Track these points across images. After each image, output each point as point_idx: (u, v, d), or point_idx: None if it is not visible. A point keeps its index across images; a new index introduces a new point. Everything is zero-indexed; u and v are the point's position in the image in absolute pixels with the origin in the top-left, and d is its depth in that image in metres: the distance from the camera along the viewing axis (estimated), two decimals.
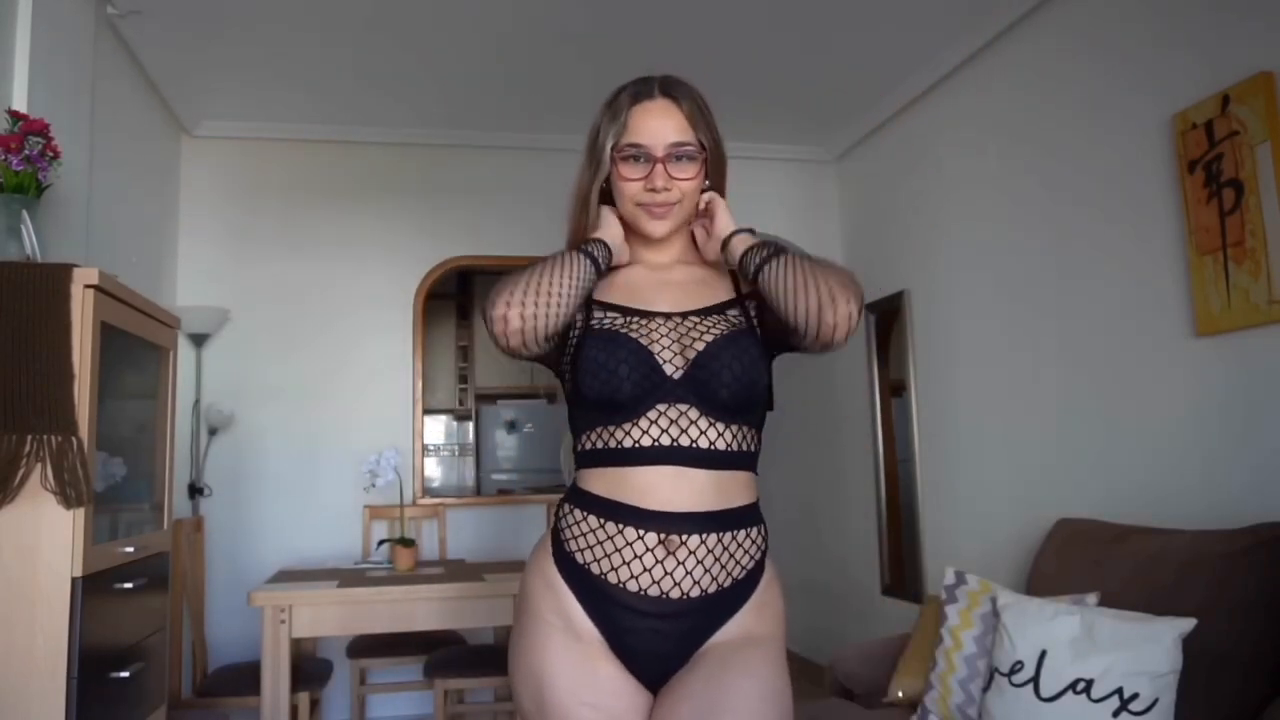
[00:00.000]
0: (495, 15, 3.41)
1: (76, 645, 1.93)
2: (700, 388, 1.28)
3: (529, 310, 1.25)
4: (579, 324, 1.35)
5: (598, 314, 1.37)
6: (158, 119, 4.01)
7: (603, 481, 1.30)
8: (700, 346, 1.31)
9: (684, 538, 1.26)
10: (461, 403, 7.46)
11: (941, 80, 3.85)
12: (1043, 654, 2.13)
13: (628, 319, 1.36)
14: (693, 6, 3.33)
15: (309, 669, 3.36)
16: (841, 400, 4.78)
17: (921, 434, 4.02)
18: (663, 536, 1.26)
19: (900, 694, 2.61)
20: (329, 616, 3.06)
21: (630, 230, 1.43)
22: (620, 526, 1.27)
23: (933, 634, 2.59)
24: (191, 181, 4.35)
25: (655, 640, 1.28)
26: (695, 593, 1.27)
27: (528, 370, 7.11)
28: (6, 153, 2.10)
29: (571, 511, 1.34)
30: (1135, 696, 1.97)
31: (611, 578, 1.28)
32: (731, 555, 1.29)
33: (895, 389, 4.34)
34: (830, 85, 4.07)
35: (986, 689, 2.28)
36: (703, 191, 1.43)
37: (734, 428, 1.30)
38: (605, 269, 1.37)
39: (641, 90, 1.39)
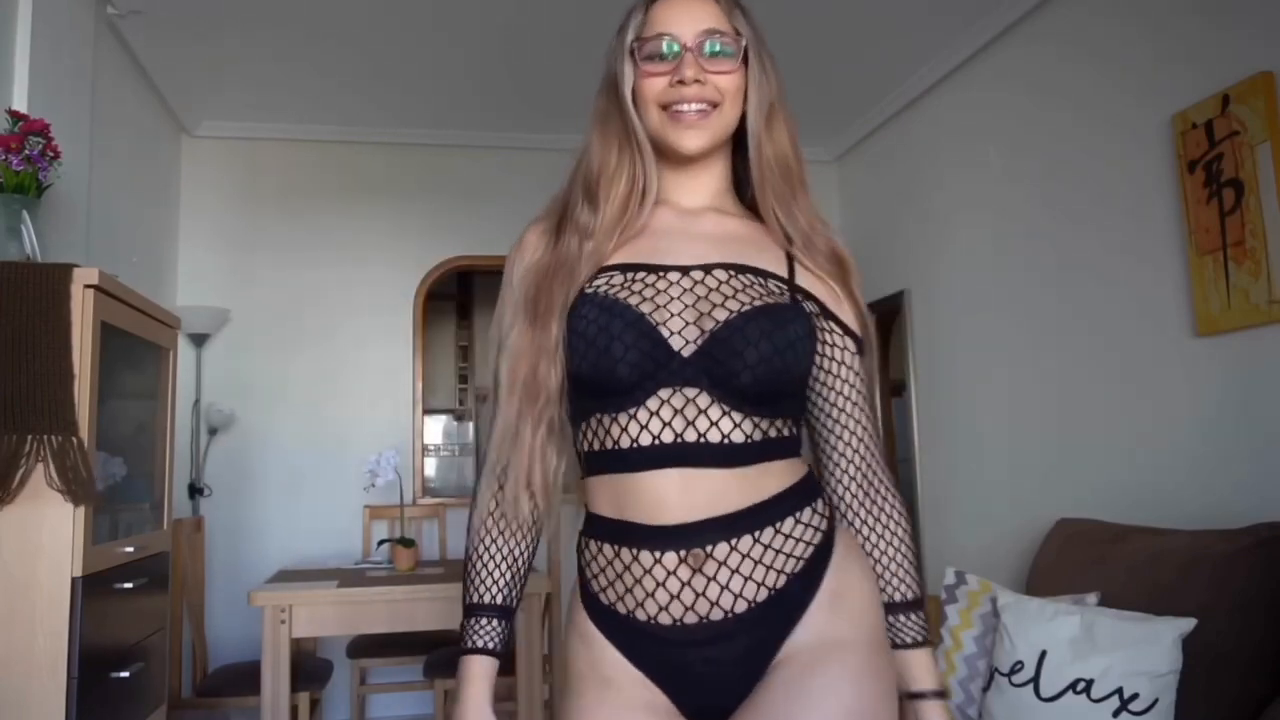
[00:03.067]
0: (495, 15, 3.41)
1: (76, 645, 1.93)
2: (715, 368, 1.02)
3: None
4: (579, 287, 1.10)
5: (601, 276, 1.09)
6: (158, 119, 4.01)
7: (609, 496, 1.07)
8: (721, 316, 1.04)
9: (710, 549, 1.02)
10: (461, 403, 7.46)
11: (941, 80, 3.85)
12: (1043, 654, 2.13)
13: (631, 277, 1.08)
14: None
15: (309, 669, 3.36)
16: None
17: (921, 434, 4.02)
18: (683, 554, 1.02)
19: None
20: (329, 616, 3.06)
21: (660, 157, 1.14)
22: (635, 553, 1.04)
23: (933, 634, 2.60)
24: (191, 181, 4.35)
25: (712, 671, 1.04)
26: (741, 607, 1.03)
27: None
28: (6, 153, 2.10)
29: (588, 544, 1.10)
30: (1135, 696, 1.97)
31: (640, 615, 1.04)
32: (778, 551, 1.04)
33: (895, 389, 4.34)
34: (830, 85, 4.07)
35: (986, 689, 2.28)
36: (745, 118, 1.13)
37: (757, 418, 1.04)
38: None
39: None
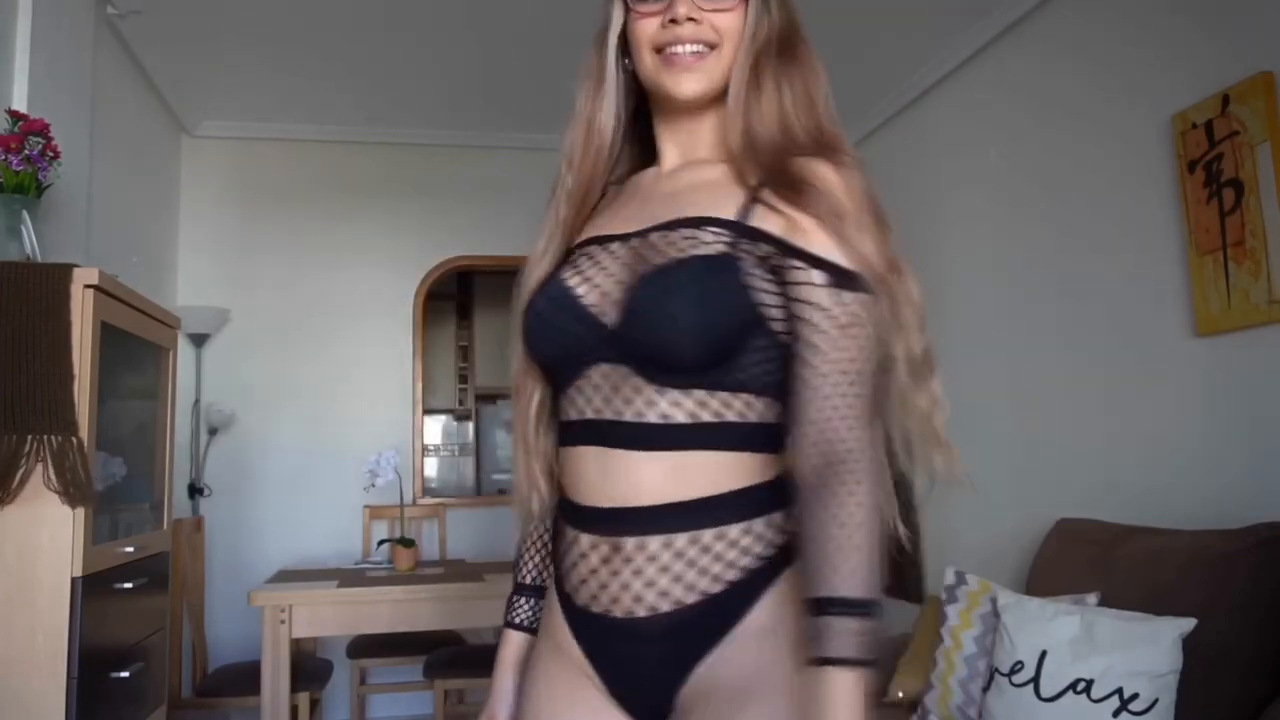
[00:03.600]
0: (495, 15, 3.41)
1: (76, 645, 1.93)
2: (629, 340, 0.94)
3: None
4: None
5: (569, 256, 1.07)
6: (158, 119, 4.01)
7: (562, 467, 1.03)
8: (630, 281, 0.95)
9: (642, 539, 0.93)
10: (461, 403, 7.46)
11: (941, 80, 3.84)
12: (1043, 654, 2.13)
13: (579, 253, 1.04)
14: None
15: (309, 669, 3.36)
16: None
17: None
18: (598, 541, 0.96)
19: (900, 694, 2.61)
20: (329, 616, 3.06)
21: (660, 108, 1.06)
22: (563, 526, 1.02)
23: (933, 634, 2.59)
24: (191, 181, 4.35)
25: (636, 668, 0.97)
26: (664, 606, 0.94)
27: None
28: (6, 153, 2.10)
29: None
30: (1135, 696, 1.97)
31: (569, 590, 1.01)
32: (716, 558, 0.93)
33: None
34: (830, 85, 4.06)
35: (986, 689, 2.28)
36: (757, 68, 1.00)
37: (700, 393, 0.93)
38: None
39: None
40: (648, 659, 0.96)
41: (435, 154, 4.60)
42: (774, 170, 0.97)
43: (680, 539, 0.94)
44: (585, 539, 0.98)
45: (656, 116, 1.08)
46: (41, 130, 2.18)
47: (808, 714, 0.84)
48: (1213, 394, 2.52)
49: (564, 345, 0.99)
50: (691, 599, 0.93)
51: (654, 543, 0.94)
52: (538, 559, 1.17)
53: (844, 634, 0.84)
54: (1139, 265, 2.77)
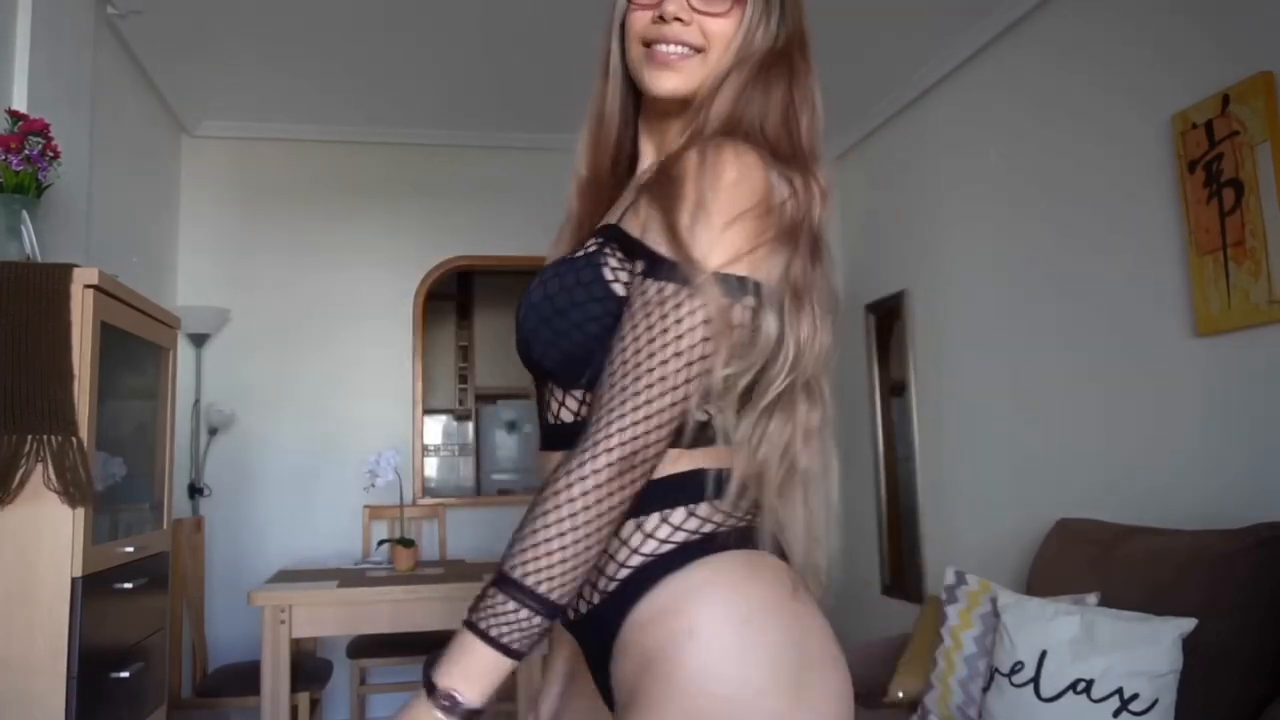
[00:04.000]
0: (496, 15, 3.41)
1: (76, 645, 1.93)
2: (519, 347, 0.97)
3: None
4: None
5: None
6: (158, 119, 4.01)
7: None
8: None
9: None
10: (461, 403, 7.46)
11: (941, 80, 3.85)
12: (1043, 654, 2.13)
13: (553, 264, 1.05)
14: None
15: (309, 669, 3.36)
16: (841, 400, 4.76)
17: (921, 434, 4.02)
18: None
19: (900, 694, 2.61)
20: (329, 616, 3.06)
21: (642, 107, 1.05)
22: None
23: (933, 634, 2.60)
24: (191, 181, 4.35)
25: (590, 662, 0.97)
26: (581, 608, 0.92)
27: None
28: (6, 153, 2.10)
29: None
30: (1135, 696, 1.97)
31: None
32: (610, 557, 0.90)
33: (895, 389, 4.34)
34: (829, 86, 4.04)
35: (986, 689, 2.28)
36: (763, 70, 0.97)
37: (578, 393, 0.92)
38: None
39: None
40: (591, 655, 0.94)
41: (435, 154, 4.60)
42: (663, 160, 0.95)
43: None
44: None
45: (641, 114, 1.05)
46: (41, 130, 2.18)
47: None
48: (1213, 394, 2.52)
49: (523, 358, 0.98)
50: (595, 599, 0.90)
51: None
52: None
53: (495, 607, 0.81)
54: (1139, 265, 2.77)
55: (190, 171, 4.35)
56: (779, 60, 1.00)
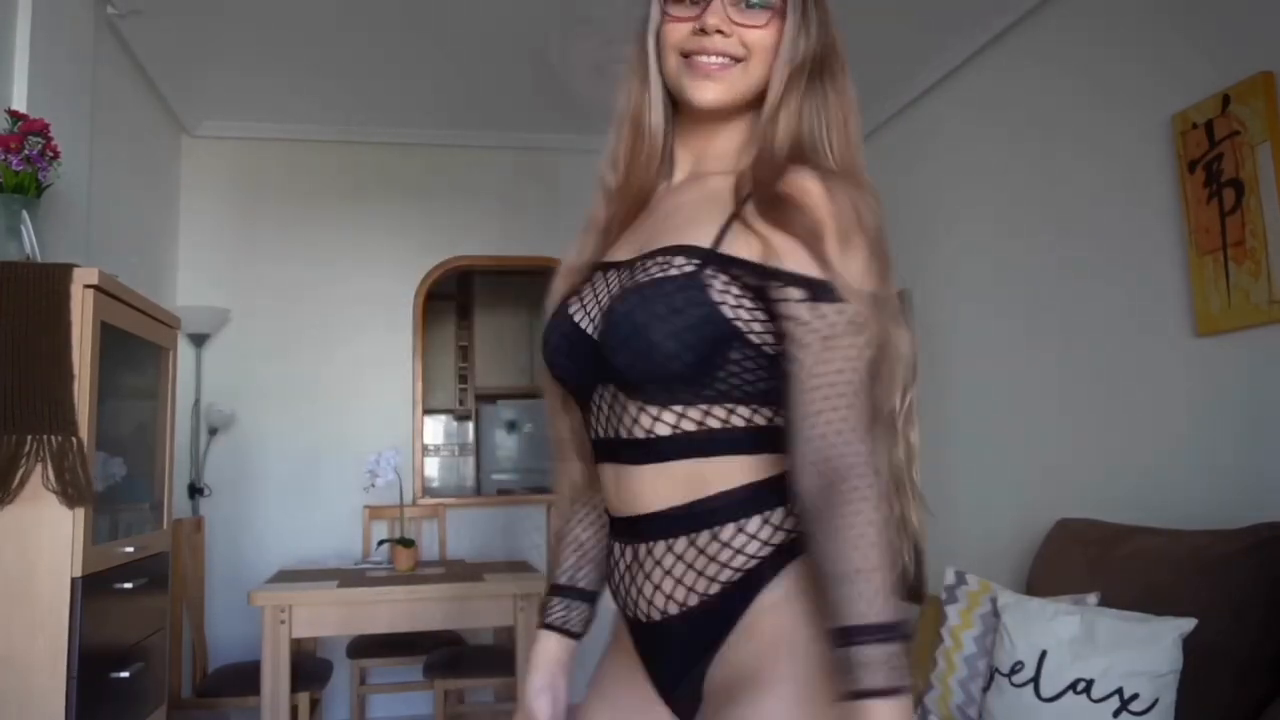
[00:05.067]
0: (497, 16, 3.41)
1: (76, 645, 1.93)
2: (608, 359, 0.97)
3: None
4: None
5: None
6: (158, 119, 4.01)
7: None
8: (606, 306, 0.99)
9: (651, 544, 0.98)
10: (461, 403, 7.47)
11: (941, 80, 3.85)
12: (1043, 654, 2.13)
13: (590, 279, 1.05)
14: None
15: (309, 669, 3.36)
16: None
17: (921, 434, 4.01)
18: (624, 547, 1.02)
19: None
20: (329, 616, 3.06)
21: (680, 112, 1.06)
22: (611, 539, 1.08)
23: (933, 634, 2.60)
24: (191, 181, 4.35)
25: (667, 664, 1.02)
26: (672, 610, 0.97)
27: (528, 370, 7.12)
28: (6, 153, 2.10)
29: None
30: (1135, 696, 1.97)
31: (615, 599, 1.08)
32: (711, 559, 0.95)
33: None
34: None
35: (986, 689, 2.28)
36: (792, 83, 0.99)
37: (680, 405, 0.95)
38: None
39: None
40: (676, 657, 1.00)
41: (435, 154, 4.60)
42: (764, 184, 0.97)
43: (680, 543, 0.97)
44: (616, 547, 1.05)
45: (675, 124, 1.07)
46: (41, 130, 2.18)
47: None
48: (1213, 394, 2.52)
49: (574, 373, 1.03)
50: (693, 601, 0.97)
51: (659, 548, 0.98)
52: (573, 559, 1.17)
53: (875, 663, 0.81)
54: (1139, 265, 2.77)
55: (190, 171, 4.35)
56: (824, 69, 1.02)
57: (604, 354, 0.96)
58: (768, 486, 0.96)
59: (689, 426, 0.95)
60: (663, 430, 0.96)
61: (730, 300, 0.93)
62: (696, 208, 1.02)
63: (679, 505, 0.96)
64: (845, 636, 0.83)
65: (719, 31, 0.97)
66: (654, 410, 0.96)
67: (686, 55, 1.00)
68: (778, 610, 0.94)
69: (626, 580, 1.02)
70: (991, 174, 3.54)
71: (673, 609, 0.97)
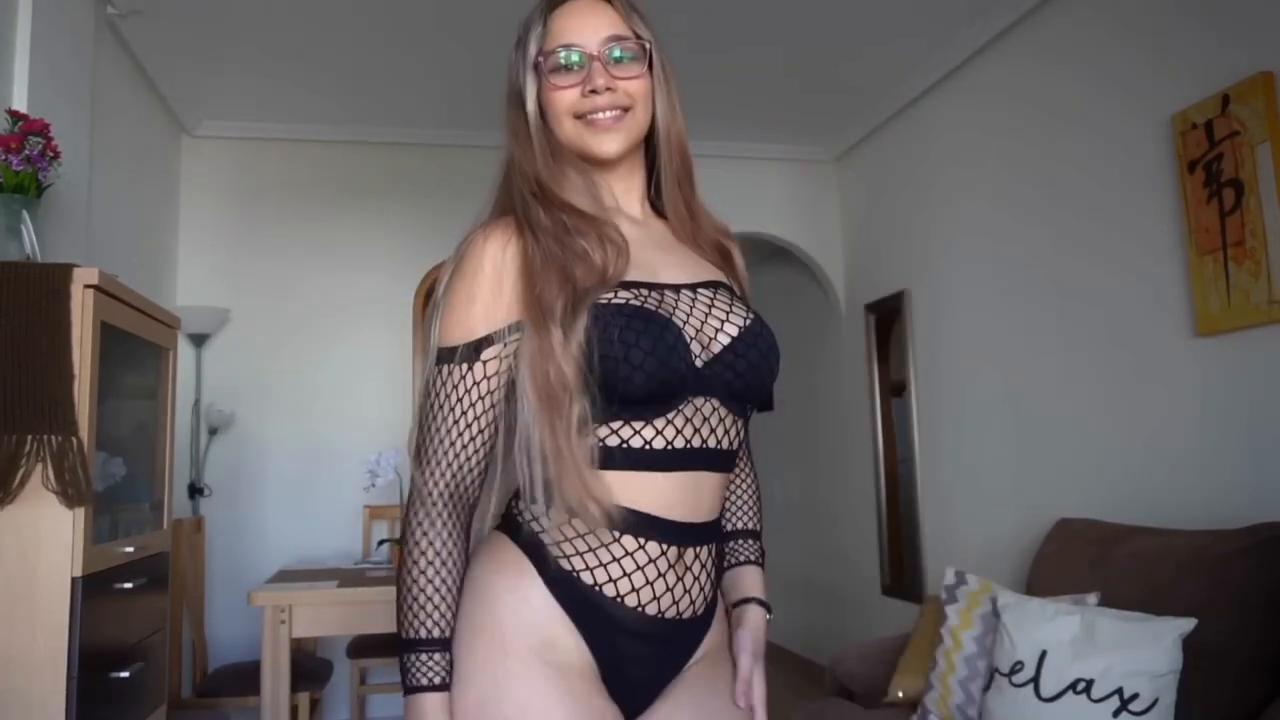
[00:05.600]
0: (496, 15, 3.40)
1: (76, 645, 1.93)
2: (733, 380, 1.07)
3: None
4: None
5: (621, 291, 1.07)
6: (158, 119, 4.01)
7: (619, 487, 1.03)
8: (732, 330, 1.09)
9: (698, 549, 1.09)
10: None
11: (941, 80, 3.85)
12: (1043, 654, 2.13)
13: (643, 293, 1.07)
14: (693, 7, 3.32)
15: (309, 669, 3.36)
16: (841, 400, 4.78)
17: (921, 434, 4.02)
18: (665, 548, 1.06)
19: (900, 694, 2.61)
20: (329, 616, 3.06)
21: (582, 172, 1.14)
22: (642, 542, 1.04)
23: (933, 634, 2.60)
24: (191, 181, 4.35)
25: (655, 666, 1.10)
26: (690, 613, 1.10)
27: None
28: (6, 153, 2.10)
29: (572, 521, 1.05)
30: (1135, 696, 1.97)
31: (609, 590, 1.05)
32: (717, 565, 1.17)
33: (895, 389, 4.34)
34: (830, 85, 4.07)
35: (987, 689, 2.28)
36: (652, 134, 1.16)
37: (741, 423, 1.13)
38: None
39: None
40: (668, 657, 1.11)
41: (435, 154, 4.60)
42: (710, 240, 1.22)
43: (712, 547, 1.14)
44: (672, 549, 1.07)
45: (591, 176, 1.15)
46: (41, 130, 2.18)
47: (745, 588, 1.22)
48: (1212, 394, 2.52)
49: (677, 374, 1.04)
50: (704, 605, 1.13)
51: (704, 551, 1.11)
52: (447, 606, 1.07)
53: (755, 548, 1.28)
54: (1139, 265, 2.77)
55: (190, 171, 4.35)
56: (680, 109, 1.21)
57: (744, 374, 1.08)
58: None
59: (740, 443, 1.16)
60: (734, 445, 1.13)
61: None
62: (685, 249, 1.20)
63: (718, 514, 1.15)
64: (746, 535, 1.30)
65: (608, 89, 1.09)
66: (739, 425, 1.12)
67: (579, 116, 1.11)
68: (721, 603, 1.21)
69: (669, 580, 1.07)
70: (991, 175, 3.54)
71: (700, 607, 1.12)
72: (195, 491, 4.12)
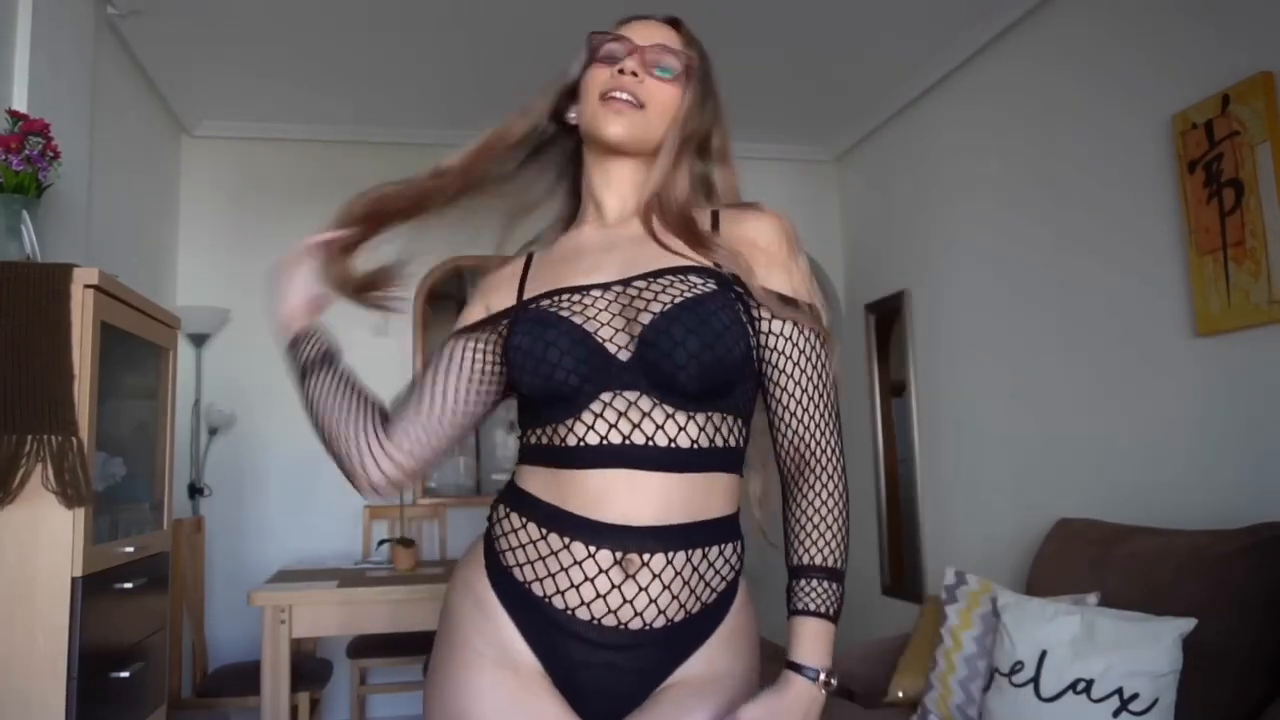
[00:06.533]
0: (496, 14, 3.41)
1: (76, 645, 1.92)
2: (650, 370, 1.03)
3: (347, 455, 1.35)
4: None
5: (530, 304, 1.15)
6: (158, 119, 4.01)
7: (544, 482, 1.08)
8: (646, 319, 1.05)
9: (646, 557, 1.02)
10: None
11: (941, 80, 3.85)
12: (1043, 654, 2.13)
13: (558, 298, 1.12)
14: (693, 7, 3.32)
15: (309, 669, 3.36)
16: (841, 400, 4.77)
17: (921, 434, 4.02)
18: (619, 556, 1.02)
19: (900, 694, 2.61)
20: (329, 616, 3.06)
21: (595, 165, 1.21)
22: (567, 541, 1.04)
23: (933, 634, 2.60)
24: (191, 181, 4.35)
25: (610, 678, 1.05)
26: (660, 622, 1.04)
27: None
28: (6, 153, 2.10)
29: (508, 515, 1.11)
30: (1135, 696, 1.97)
31: (558, 602, 1.04)
32: (702, 577, 1.06)
33: (895, 389, 4.34)
34: (830, 86, 4.07)
35: (987, 689, 2.28)
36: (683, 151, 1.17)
37: (703, 417, 1.05)
38: (318, 362, 1.38)
39: (633, 14, 1.22)
40: (631, 668, 1.05)
41: (435, 154, 4.49)
42: (683, 224, 1.14)
43: (679, 557, 1.04)
44: (605, 554, 1.03)
45: (594, 170, 1.20)
46: (41, 130, 2.18)
47: (796, 648, 1.03)
48: (1213, 394, 2.52)
49: (575, 371, 1.05)
50: (680, 615, 1.05)
51: (658, 560, 1.03)
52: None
53: (822, 592, 1.04)
54: (1139, 265, 2.77)
55: (190, 171, 4.35)
56: (718, 147, 1.22)
57: (657, 361, 1.03)
58: (737, 518, 1.11)
59: (719, 441, 1.06)
60: (704, 442, 1.05)
61: (743, 316, 1.08)
62: (650, 243, 1.14)
63: (693, 521, 1.05)
64: (809, 572, 1.05)
65: (634, 74, 1.13)
66: (681, 419, 1.04)
67: (603, 96, 1.14)
68: (738, 621, 1.11)
69: (602, 586, 1.03)
70: (991, 174, 3.54)
71: (660, 622, 1.04)
72: (195, 491, 4.12)
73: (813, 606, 1.03)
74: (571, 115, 1.22)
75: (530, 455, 1.12)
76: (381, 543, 3.73)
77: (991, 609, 2.40)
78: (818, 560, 1.05)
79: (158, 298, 3.14)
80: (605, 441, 1.03)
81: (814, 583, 1.04)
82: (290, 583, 3.18)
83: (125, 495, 2.42)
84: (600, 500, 1.03)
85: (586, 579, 1.03)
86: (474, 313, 1.27)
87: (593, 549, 1.03)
